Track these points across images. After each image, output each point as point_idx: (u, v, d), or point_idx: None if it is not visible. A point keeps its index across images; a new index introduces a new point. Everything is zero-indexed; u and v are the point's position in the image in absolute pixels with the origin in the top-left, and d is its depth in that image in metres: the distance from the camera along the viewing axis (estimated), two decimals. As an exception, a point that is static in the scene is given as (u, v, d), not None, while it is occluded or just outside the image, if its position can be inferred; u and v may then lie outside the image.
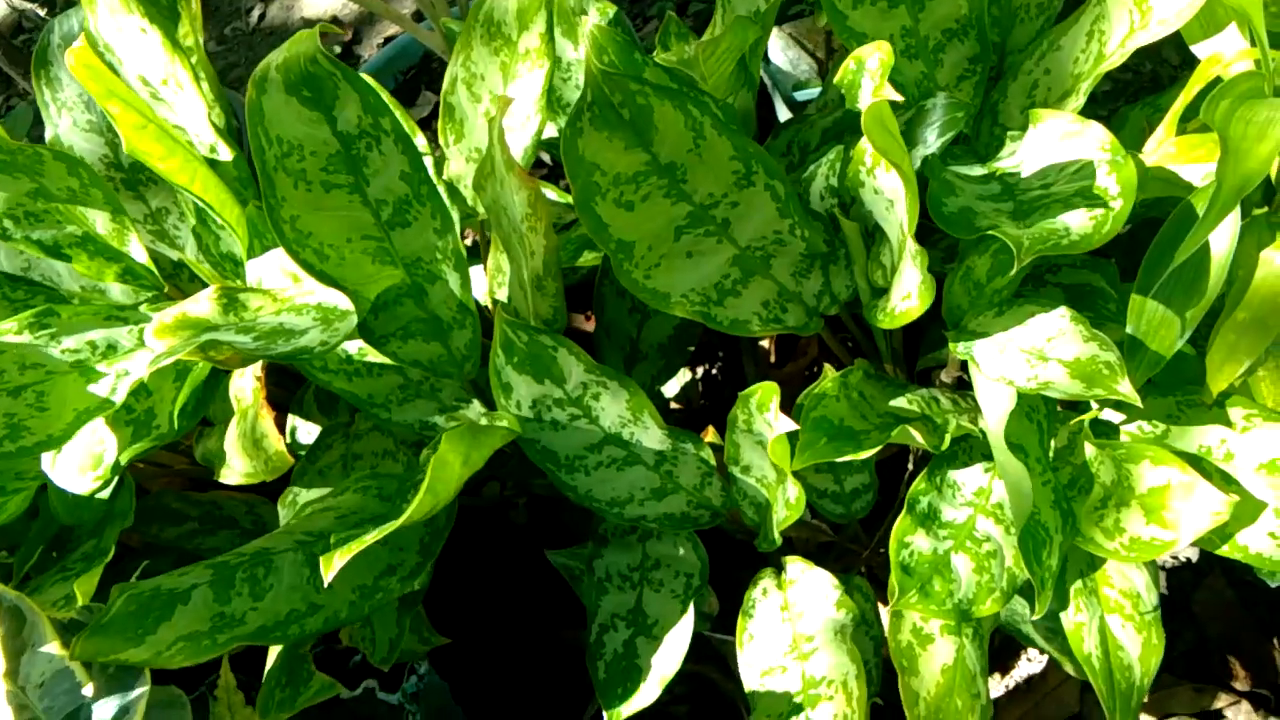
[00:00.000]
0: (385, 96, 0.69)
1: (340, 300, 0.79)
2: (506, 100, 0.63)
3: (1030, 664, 1.08)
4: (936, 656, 0.68)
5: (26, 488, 0.88)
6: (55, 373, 0.86)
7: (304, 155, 0.68)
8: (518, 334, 0.77)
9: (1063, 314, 0.65)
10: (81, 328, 0.89)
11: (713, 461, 0.84)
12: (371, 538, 0.60)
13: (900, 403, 0.77)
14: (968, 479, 0.77)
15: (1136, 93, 1.41)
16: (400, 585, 0.71)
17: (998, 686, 1.09)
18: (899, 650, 0.68)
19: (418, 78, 1.54)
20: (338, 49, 1.96)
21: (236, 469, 0.87)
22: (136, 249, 0.95)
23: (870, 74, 0.58)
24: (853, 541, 0.96)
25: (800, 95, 1.15)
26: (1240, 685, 1.01)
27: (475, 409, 0.90)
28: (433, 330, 0.82)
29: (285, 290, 0.81)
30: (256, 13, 2.03)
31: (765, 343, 1.11)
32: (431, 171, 0.74)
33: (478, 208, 0.88)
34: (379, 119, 0.68)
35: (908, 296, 0.65)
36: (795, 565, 0.82)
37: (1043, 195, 0.64)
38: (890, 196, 0.67)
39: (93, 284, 1.02)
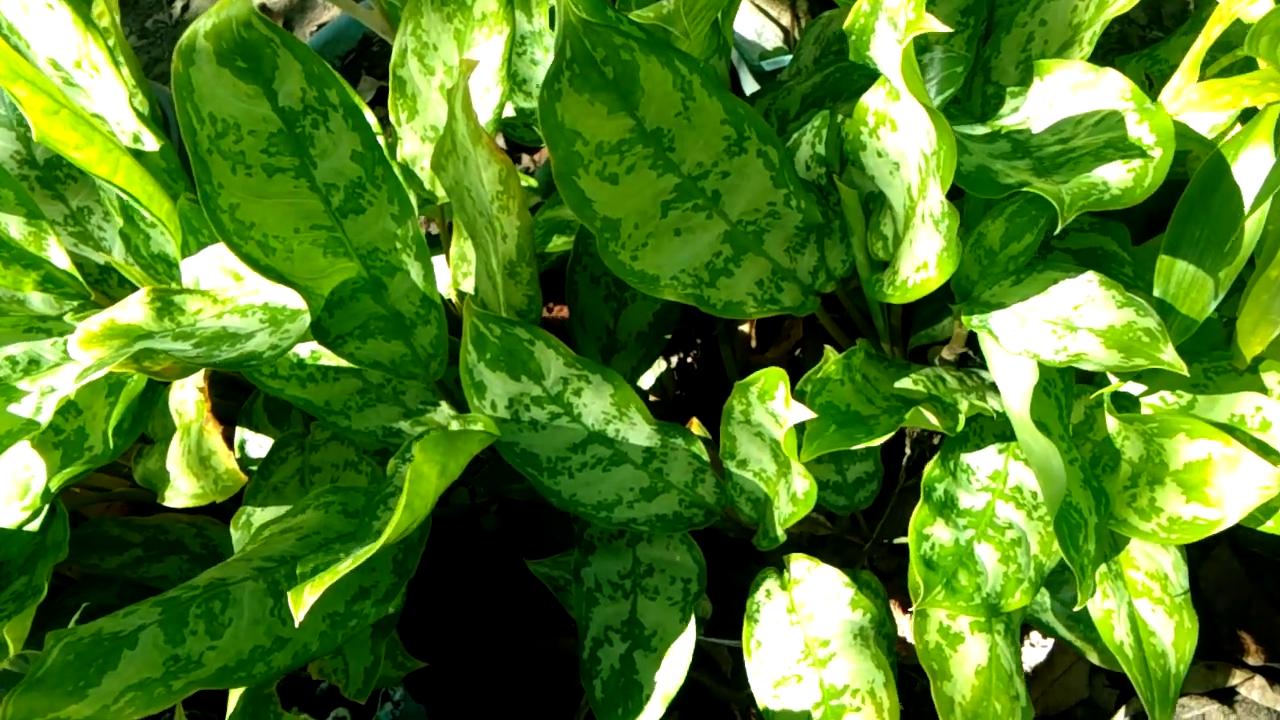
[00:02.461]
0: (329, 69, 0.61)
1: (290, 298, 0.71)
2: (471, 63, 0.56)
3: (1035, 650, 1.04)
4: (969, 657, 0.62)
5: (-55, 522, 0.79)
6: (-30, 393, 0.77)
7: (241, 135, 0.61)
8: (490, 328, 0.70)
9: (1090, 279, 0.60)
10: (-1, 342, 0.81)
11: (705, 457, 0.78)
12: (346, 566, 0.52)
13: (906, 383, 0.72)
14: (982, 462, 0.72)
15: (1106, 54, 1.37)
16: (375, 610, 0.64)
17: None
18: (927, 652, 0.63)
19: (357, 62, 1.45)
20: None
21: (182, 490, 0.79)
22: (57, 254, 0.86)
23: (891, 13, 0.51)
24: (851, 533, 0.91)
25: (768, 65, 1.09)
26: (1253, 660, 0.97)
27: (444, 412, 0.83)
28: (394, 327, 0.75)
29: (226, 290, 0.73)
30: (180, 4, 1.93)
31: (745, 327, 1.05)
32: (386, 151, 0.66)
33: (436, 191, 0.81)
34: (325, 91, 0.61)
35: (923, 267, 0.59)
36: (800, 563, 0.76)
37: (1064, 151, 0.59)
38: (896, 159, 0.61)
39: (10, 294, 0.93)
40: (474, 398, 0.72)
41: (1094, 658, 0.77)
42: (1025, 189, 0.55)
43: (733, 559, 0.96)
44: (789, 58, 1.05)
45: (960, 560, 0.64)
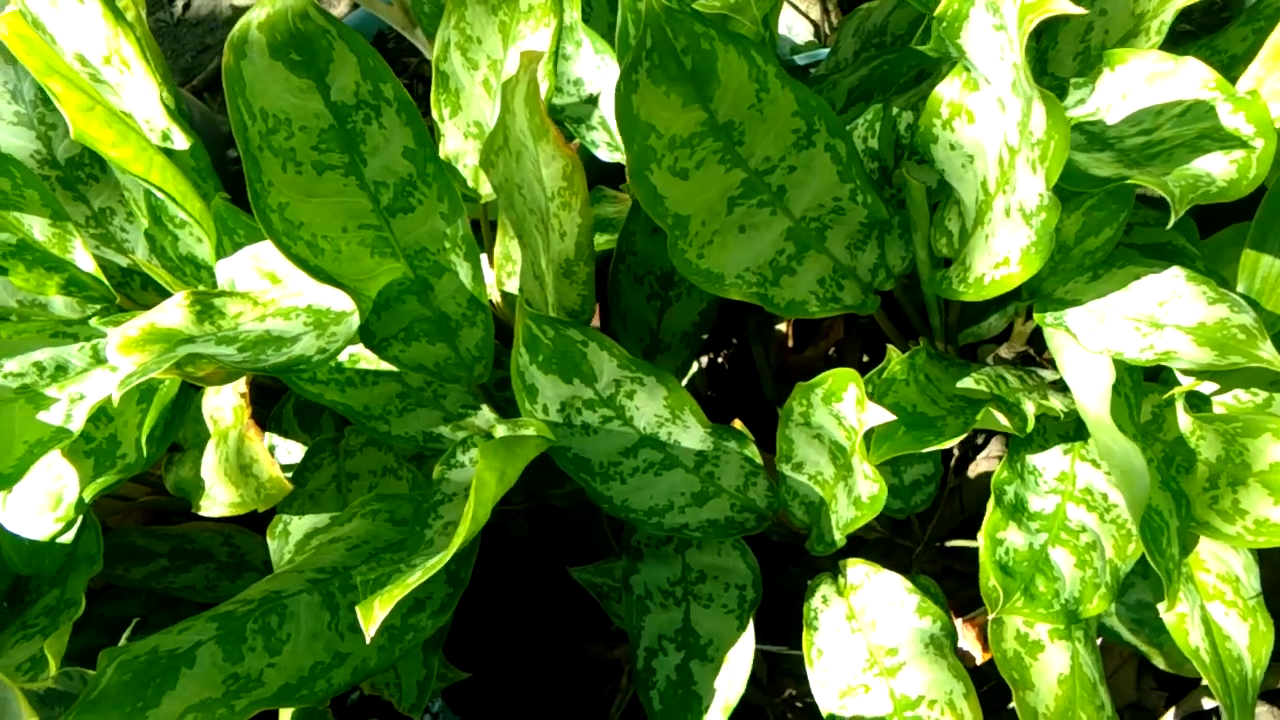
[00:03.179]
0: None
1: (334, 300, 0.69)
2: (535, 54, 0.54)
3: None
4: (1051, 666, 0.61)
5: (-30, 535, 0.77)
6: (-2, 401, 0.74)
7: (293, 131, 0.58)
8: (543, 329, 0.67)
9: (1176, 274, 0.58)
10: (24, 347, 0.78)
11: (759, 460, 0.76)
12: (416, 579, 0.50)
13: (968, 383, 0.70)
14: (1048, 463, 0.70)
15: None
16: (431, 622, 0.62)
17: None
18: (1006, 661, 0.61)
19: (371, 60, 1.42)
20: (272, 37, 1.82)
21: (219, 499, 0.77)
22: (82, 257, 0.84)
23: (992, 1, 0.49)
24: (899, 536, 0.89)
25: (801, 59, 1.07)
26: (1304, 660, 0.95)
27: (485, 416, 0.81)
28: (439, 330, 0.73)
29: (266, 293, 0.70)
30: (181, 1, 1.90)
31: (783, 326, 1.03)
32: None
33: (479, 189, 0.79)
34: (379, 85, 0.58)
35: (1004, 263, 0.57)
36: (858, 569, 0.74)
37: (1150, 143, 0.57)
38: (971, 151, 0.59)
39: (31, 298, 0.90)
40: (525, 401, 0.70)
41: (1159, 661, 0.75)
42: (1125, 181, 0.53)
43: (774, 563, 0.94)
44: (824, 52, 1.03)
45: (1036, 565, 0.62)
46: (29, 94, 0.88)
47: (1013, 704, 0.64)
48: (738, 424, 0.82)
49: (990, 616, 0.60)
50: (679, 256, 0.60)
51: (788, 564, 0.98)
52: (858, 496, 0.68)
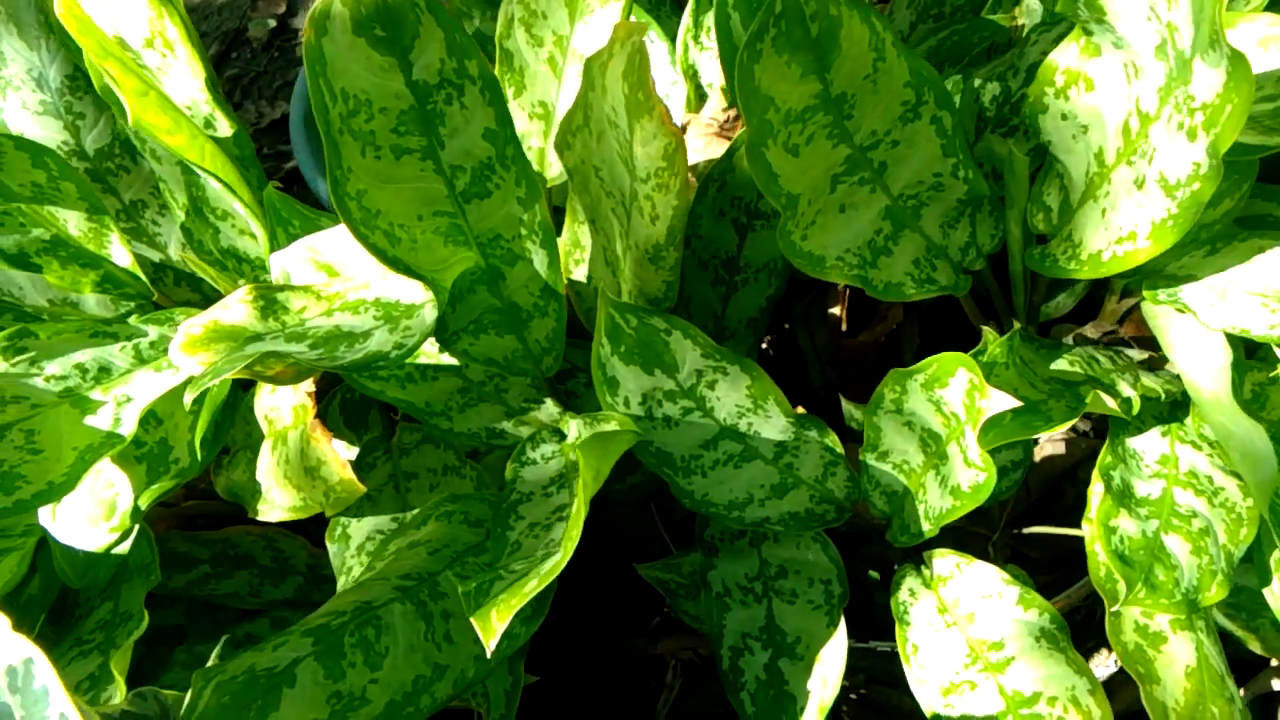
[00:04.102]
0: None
1: (404, 292, 0.65)
2: (636, 26, 0.50)
3: (1140, 634, 1.00)
4: (1176, 658, 0.58)
5: (18, 547, 0.73)
6: (42, 406, 0.71)
7: (373, 113, 0.55)
8: (626, 318, 0.64)
9: (1305, 247, 0.55)
10: (65, 349, 0.74)
11: (839, 449, 0.73)
12: (532, 588, 0.47)
13: (1062, 365, 0.67)
14: (1148, 446, 0.68)
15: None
16: (525, 629, 0.59)
17: (1108, 663, 1.00)
18: (1128, 655, 0.58)
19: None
20: (272, 23, 1.78)
21: (278, 502, 0.73)
22: (119, 252, 0.80)
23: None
24: (974, 524, 0.86)
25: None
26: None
27: (548, 410, 0.77)
28: (509, 321, 0.70)
29: (328, 285, 0.67)
30: None
31: (836, 309, 1.00)
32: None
33: (544, 172, 0.75)
34: (464, 62, 0.55)
35: (1128, 238, 0.55)
36: (946, 560, 0.72)
37: (1278, 109, 0.54)
38: (1085, 120, 0.57)
39: (63, 295, 0.86)
40: (606, 395, 0.67)
41: (1256, 646, 0.73)
42: (1269, 150, 0.50)
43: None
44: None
45: (1153, 554, 0.60)
46: (55, 81, 0.84)
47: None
48: (800, 411, 0.79)
49: (1112, 609, 0.58)
50: (785, 239, 0.57)
51: (850, 555, 0.95)
52: (955, 486, 0.66)
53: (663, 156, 0.55)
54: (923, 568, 0.74)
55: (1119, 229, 0.55)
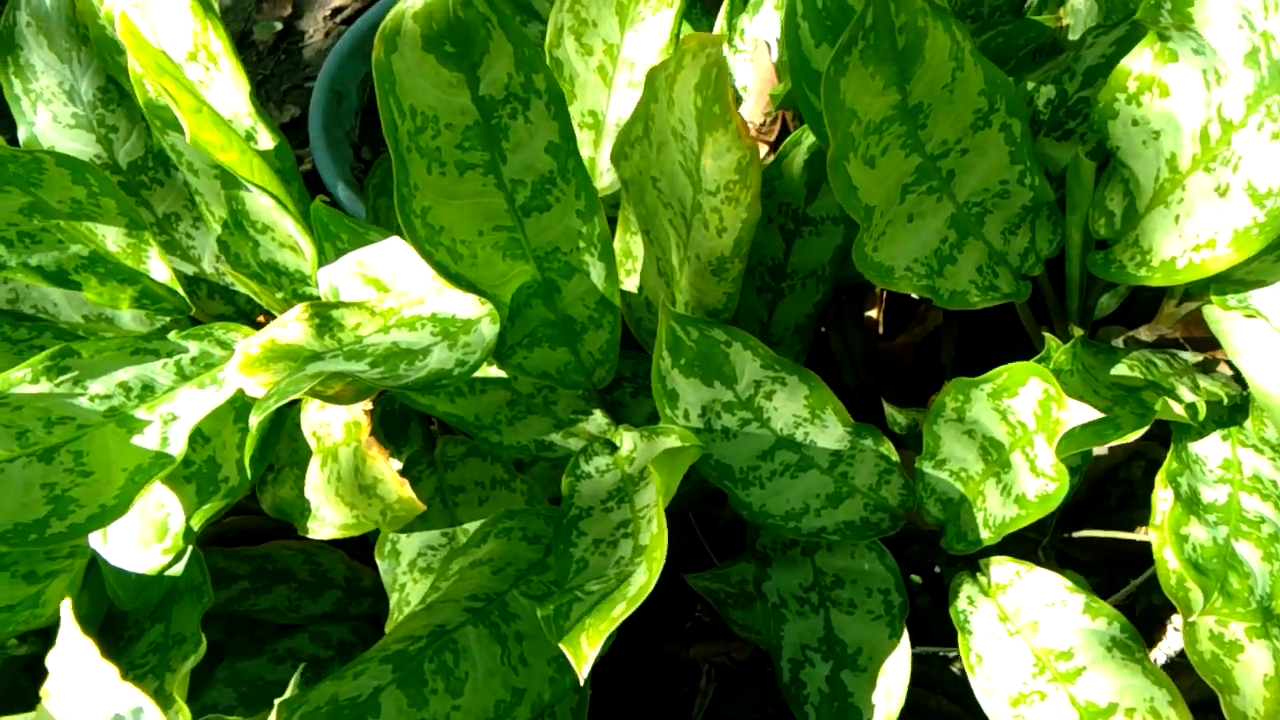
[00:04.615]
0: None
1: (460, 307, 0.64)
2: (711, 38, 0.49)
3: (1179, 634, 1.00)
4: (1254, 667, 0.58)
5: (66, 569, 0.72)
6: (89, 426, 0.70)
7: (439, 129, 0.54)
8: (687, 330, 0.63)
9: (1382, 252, 0.55)
10: (107, 367, 0.73)
11: (895, 457, 0.73)
12: (622, 612, 0.46)
13: (1121, 370, 0.67)
14: (1210, 451, 0.67)
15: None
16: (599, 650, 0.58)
17: (1155, 655, 1.00)
18: (1205, 664, 0.58)
19: (404, 48, 1.37)
20: (278, 26, 1.77)
21: (330, 520, 0.72)
22: (158, 267, 0.79)
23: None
24: (1026, 528, 0.86)
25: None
26: None
27: (596, 421, 0.77)
28: (561, 334, 0.69)
29: (382, 300, 0.66)
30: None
31: (873, 312, 0.99)
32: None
33: (594, 182, 0.75)
34: (531, 77, 0.54)
35: (1206, 245, 0.54)
36: (1004, 568, 0.71)
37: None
38: (1157, 126, 0.56)
39: (98, 311, 0.85)
40: (666, 408, 0.66)
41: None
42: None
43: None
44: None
45: (1225, 561, 0.59)
46: (87, 94, 0.83)
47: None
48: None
49: (1189, 619, 0.57)
50: (859, 250, 0.56)
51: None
52: (1020, 495, 0.65)
53: (735, 170, 0.54)
54: (978, 575, 0.74)
55: (1195, 236, 0.55)
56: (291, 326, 0.63)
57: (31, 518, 0.62)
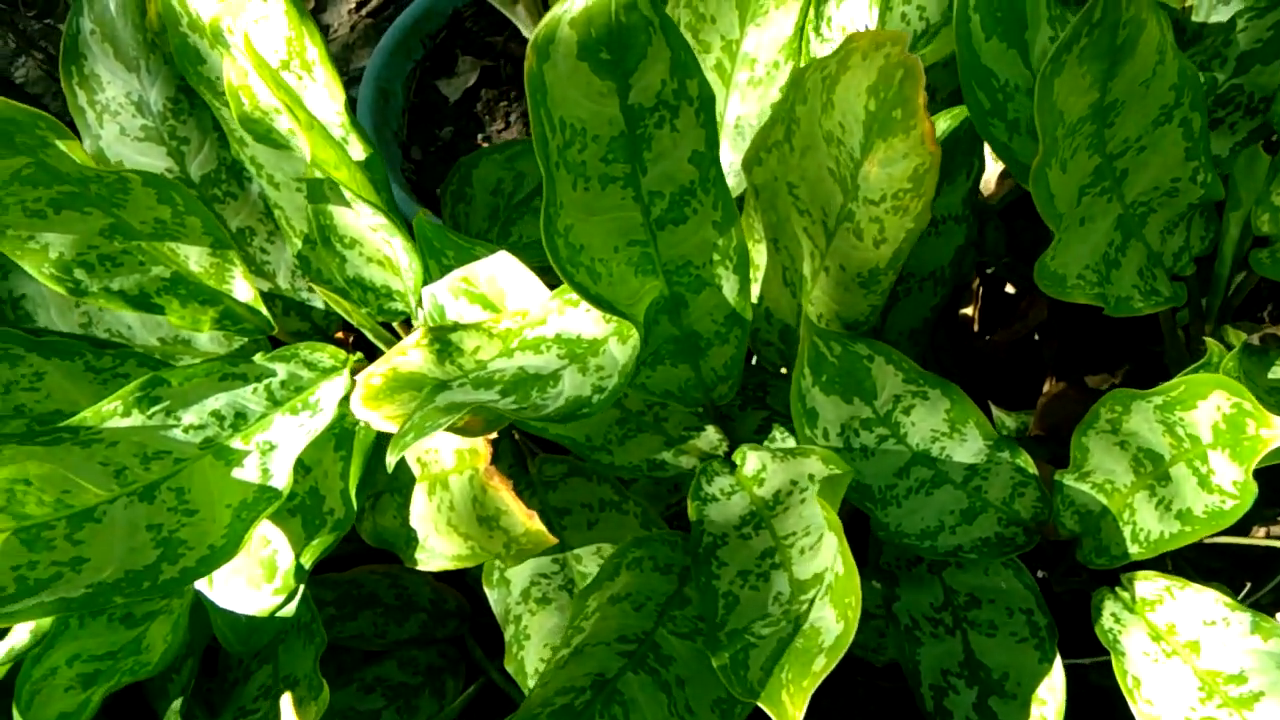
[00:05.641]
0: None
1: (584, 327, 0.61)
2: (893, 35, 0.45)
3: None
4: None
5: (164, 610, 0.68)
6: (186, 460, 0.66)
7: (586, 142, 0.50)
8: (830, 346, 0.60)
9: None
10: (197, 395, 0.70)
11: (1031, 469, 0.69)
12: (824, 668, 0.43)
13: (1278, 374, 0.63)
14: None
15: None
16: (753, 694, 0.54)
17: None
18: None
19: (450, 41, 1.32)
20: (304, 21, 1.71)
21: (440, 551, 0.68)
22: (242, 287, 0.75)
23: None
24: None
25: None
26: None
27: (708, 437, 0.73)
28: (684, 350, 0.65)
29: (500, 321, 0.62)
30: None
31: (969, 309, 0.96)
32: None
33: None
34: (685, 83, 0.50)
35: None
36: (1152, 584, 0.68)
37: None
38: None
39: (174, 334, 0.81)
40: (805, 427, 0.62)
41: None
42: None
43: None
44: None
45: None
46: (156, 105, 0.79)
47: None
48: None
49: None
50: (1042, 263, 0.52)
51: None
52: (1185, 510, 0.62)
53: (909, 178, 0.50)
54: (1120, 590, 0.70)
55: None
56: (412, 353, 0.59)
57: (142, 564, 0.58)
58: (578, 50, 0.46)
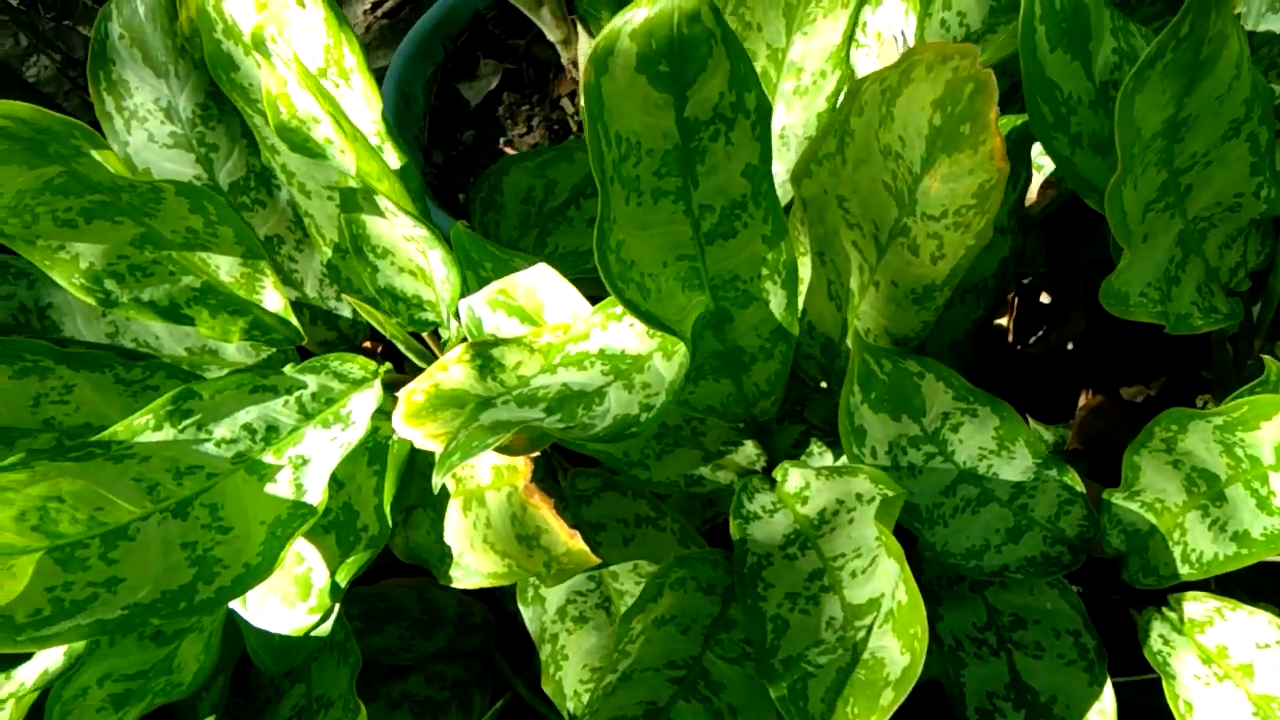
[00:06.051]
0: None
1: (628, 342, 0.59)
2: (962, 48, 0.44)
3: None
4: None
5: (195, 627, 0.67)
6: (218, 474, 0.65)
7: (640, 156, 0.49)
8: (881, 363, 0.58)
9: None
10: (228, 408, 0.68)
11: (1079, 487, 0.68)
12: (892, 703, 0.41)
13: (1333, 391, 0.62)
14: None
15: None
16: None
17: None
18: None
19: (471, 44, 1.31)
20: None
21: (475, 568, 0.67)
22: (272, 297, 0.74)
23: None
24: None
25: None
26: None
27: (746, 452, 0.72)
28: (727, 365, 0.64)
29: (540, 336, 0.61)
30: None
31: (1004, 320, 0.94)
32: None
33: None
34: (743, 95, 0.48)
35: None
36: (1200, 604, 0.66)
37: None
38: None
39: (202, 344, 0.80)
40: (853, 445, 0.61)
41: None
42: None
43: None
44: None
45: None
46: (185, 111, 0.78)
47: None
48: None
49: None
50: (1107, 284, 0.51)
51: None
52: (1242, 532, 0.60)
53: (973, 194, 0.49)
54: (1167, 611, 0.69)
55: None
56: (453, 369, 0.58)
57: (178, 584, 0.57)
58: (637, 62, 0.45)
